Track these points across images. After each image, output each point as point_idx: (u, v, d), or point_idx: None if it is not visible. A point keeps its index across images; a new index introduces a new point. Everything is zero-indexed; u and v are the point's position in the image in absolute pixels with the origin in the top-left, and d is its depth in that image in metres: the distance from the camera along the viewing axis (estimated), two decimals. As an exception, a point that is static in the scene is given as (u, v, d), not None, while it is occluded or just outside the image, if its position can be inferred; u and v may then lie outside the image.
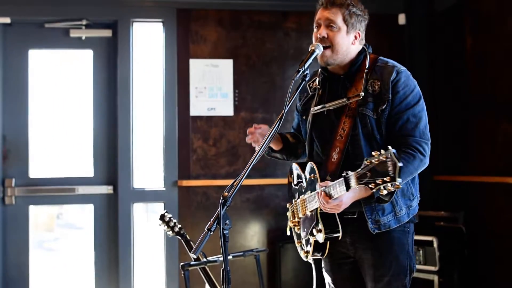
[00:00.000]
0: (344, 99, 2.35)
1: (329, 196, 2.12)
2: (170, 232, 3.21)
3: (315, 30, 2.46)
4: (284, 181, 4.68)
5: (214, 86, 4.74)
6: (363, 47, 2.44)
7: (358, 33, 2.41)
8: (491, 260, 4.13)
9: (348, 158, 2.32)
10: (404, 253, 2.37)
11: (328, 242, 2.37)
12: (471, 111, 4.37)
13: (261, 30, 4.83)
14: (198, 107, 4.72)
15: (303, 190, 2.49)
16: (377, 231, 2.29)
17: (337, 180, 2.10)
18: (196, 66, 4.73)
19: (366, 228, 2.31)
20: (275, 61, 4.84)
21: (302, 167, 2.56)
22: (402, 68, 2.36)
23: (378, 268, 2.34)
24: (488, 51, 4.20)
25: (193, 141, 4.71)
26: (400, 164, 1.81)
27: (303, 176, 2.53)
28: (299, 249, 2.55)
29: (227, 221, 2.00)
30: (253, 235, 4.75)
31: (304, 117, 2.59)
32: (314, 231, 2.34)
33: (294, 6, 4.84)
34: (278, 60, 4.84)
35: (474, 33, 4.38)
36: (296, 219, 2.55)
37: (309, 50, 2.37)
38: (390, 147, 1.86)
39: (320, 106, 2.45)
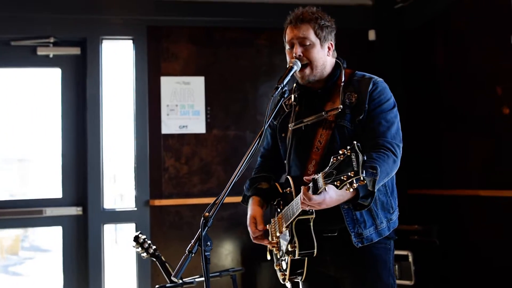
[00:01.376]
0: (322, 113, 2.33)
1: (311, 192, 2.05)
2: (144, 254, 3.11)
3: (288, 49, 2.42)
4: (258, 198, 4.66)
5: (186, 104, 4.68)
6: (338, 62, 2.43)
7: (331, 44, 2.40)
8: (466, 272, 4.14)
9: (321, 170, 2.28)
10: (386, 270, 2.34)
11: (306, 261, 2.32)
12: (444, 126, 4.42)
13: (233, 47, 4.81)
14: (169, 125, 4.65)
15: (282, 208, 2.45)
16: (360, 245, 2.25)
17: (304, 186, 2.05)
18: (168, 83, 4.67)
19: (347, 245, 2.27)
20: (247, 78, 4.81)
21: (282, 186, 2.51)
22: (380, 79, 2.36)
23: (360, 286, 2.30)
24: (460, 67, 4.26)
25: (165, 159, 4.63)
26: (363, 157, 1.76)
27: (280, 193, 2.48)
28: (278, 273, 2.48)
29: (208, 242, 1.94)
30: (227, 254, 4.67)
31: (283, 135, 2.54)
32: (289, 247, 2.28)
33: (266, 23, 4.83)
34: (251, 77, 4.82)
35: (446, 49, 4.45)
36: (275, 240, 2.49)
37: (287, 66, 2.34)
38: (354, 142, 1.81)
39: (298, 122, 2.42)
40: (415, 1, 4.71)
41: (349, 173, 1.77)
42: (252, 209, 2.55)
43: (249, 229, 2.49)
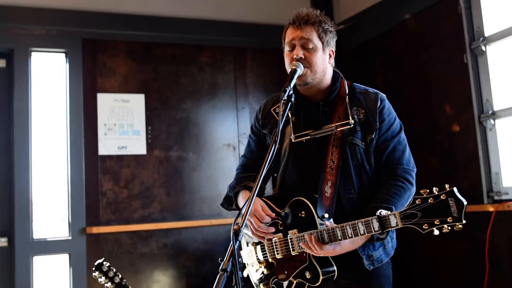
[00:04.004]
0: (333, 127, 2.20)
1: (330, 240, 1.99)
2: (109, 284, 2.76)
3: (287, 51, 2.28)
4: (203, 223, 4.42)
5: (124, 123, 4.36)
6: (336, 72, 2.34)
7: (332, 51, 2.29)
8: (422, 286, 4.18)
9: (339, 191, 2.16)
10: (389, 284, 2.26)
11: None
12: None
13: (174, 64, 4.58)
14: (107, 146, 4.29)
15: (282, 228, 2.25)
16: (371, 267, 2.14)
17: (362, 219, 1.93)
18: (105, 101, 4.33)
19: (356, 266, 2.15)
20: (189, 96, 4.59)
21: (275, 202, 2.31)
22: (384, 95, 2.29)
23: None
24: (399, 87, 4.35)
25: (103, 183, 4.25)
26: (465, 203, 1.73)
27: (278, 212, 2.26)
28: None
29: (240, 259, 1.72)
30: (171, 283, 4.34)
31: (278, 146, 2.37)
32: (307, 273, 2.11)
33: (208, 40, 4.67)
34: (193, 95, 4.60)
35: (385, 70, 4.54)
36: (267, 259, 2.27)
37: (290, 69, 2.19)
38: (454, 188, 1.75)
39: (302, 134, 2.26)
40: (355, 23, 4.80)
41: (446, 219, 1.74)
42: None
43: (251, 219, 2.18)
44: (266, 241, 2.26)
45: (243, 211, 1.83)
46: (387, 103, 2.26)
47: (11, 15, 4.13)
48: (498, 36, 3.53)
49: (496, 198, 3.55)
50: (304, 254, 2.12)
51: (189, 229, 4.42)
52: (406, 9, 4.24)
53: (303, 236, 2.11)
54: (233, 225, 1.74)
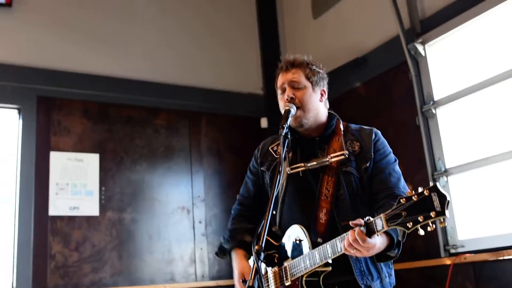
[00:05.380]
0: (328, 158, 2.27)
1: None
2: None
3: (280, 95, 2.38)
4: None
5: (78, 183, 4.21)
6: (331, 113, 2.44)
7: (323, 91, 2.40)
8: None
9: (334, 218, 2.20)
10: None
11: None
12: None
13: (130, 125, 4.55)
14: (58, 206, 4.10)
15: (277, 261, 2.24)
16: None
17: (356, 228, 1.92)
18: (58, 159, 4.19)
19: None
20: (144, 158, 4.54)
21: (273, 237, 2.31)
22: (378, 130, 2.41)
23: None
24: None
25: (52, 245, 4.02)
26: (448, 198, 1.72)
27: (275, 246, 2.28)
28: None
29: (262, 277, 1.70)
30: None
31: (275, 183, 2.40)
32: None
33: (164, 103, 4.71)
34: (148, 157, 4.56)
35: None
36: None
37: (284, 110, 2.28)
38: (437, 183, 1.79)
39: (298, 165, 2.31)
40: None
41: (430, 213, 1.70)
42: (238, 263, 2.34)
43: (237, 285, 2.26)
44: (263, 276, 2.24)
45: (259, 230, 1.82)
46: (381, 137, 2.36)
47: (-36, 68, 4.01)
48: (447, 99, 3.82)
49: (452, 251, 3.69)
50: (297, 282, 2.10)
51: (143, 295, 4.22)
52: (357, 77, 4.52)
53: (297, 261, 2.11)
54: (254, 246, 1.74)
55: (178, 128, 4.77)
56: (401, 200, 1.79)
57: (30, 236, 3.94)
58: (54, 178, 4.14)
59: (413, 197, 1.77)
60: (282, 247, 2.25)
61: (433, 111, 3.87)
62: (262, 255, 1.74)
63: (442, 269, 3.66)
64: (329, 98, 4.78)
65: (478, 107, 3.67)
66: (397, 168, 2.31)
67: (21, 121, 4.13)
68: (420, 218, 1.73)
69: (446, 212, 1.70)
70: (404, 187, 2.26)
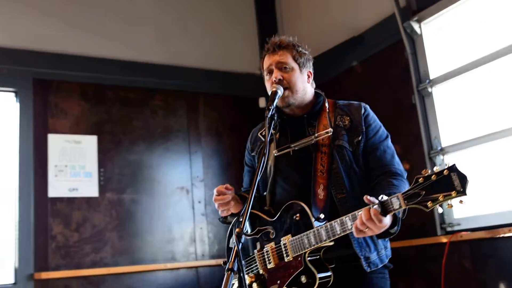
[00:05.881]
0: (312, 137, 2.29)
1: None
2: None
3: (267, 77, 2.38)
4: (156, 267, 4.30)
5: (76, 164, 4.25)
6: (318, 92, 2.45)
7: (310, 72, 2.41)
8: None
9: (331, 193, 2.22)
10: None
11: None
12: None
13: (127, 107, 4.56)
14: (58, 188, 4.14)
15: (273, 237, 2.27)
16: (369, 269, 2.17)
17: (370, 207, 1.93)
18: (56, 141, 4.21)
19: (348, 273, 2.18)
20: (142, 139, 4.56)
21: (265, 213, 2.34)
22: (367, 105, 2.42)
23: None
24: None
25: (52, 226, 4.07)
26: (468, 177, 1.72)
27: (269, 221, 2.30)
28: None
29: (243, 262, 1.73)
30: (122, 332, 4.15)
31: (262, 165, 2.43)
32: (303, 278, 2.12)
33: (161, 84, 4.72)
34: (146, 138, 4.58)
35: (334, 115, 4.74)
36: (258, 272, 2.27)
37: (271, 91, 2.28)
38: (454, 162, 1.79)
39: (283, 147, 2.33)
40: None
41: (451, 193, 1.72)
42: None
43: (215, 191, 2.29)
44: (256, 252, 2.27)
45: (242, 215, 1.85)
46: (371, 111, 2.37)
47: (-40, 52, 4.01)
48: (442, 78, 3.82)
49: (448, 229, 3.72)
50: (299, 258, 2.13)
51: (142, 274, 4.28)
52: (353, 56, 4.50)
53: (300, 238, 2.13)
54: (235, 229, 1.77)
55: (176, 108, 4.78)
56: (419, 180, 1.81)
57: (31, 217, 3.99)
58: (53, 160, 4.17)
59: (431, 177, 1.78)
60: (277, 223, 2.26)
61: (429, 89, 3.87)
62: (243, 237, 1.76)
63: (439, 247, 3.69)
64: (327, 77, 4.79)
65: (474, 85, 3.67)
66: (390, 143, 2.34)
67: (18, 104, 4.15)
68: (441, 197, 1.75)
69: (467, 191, 1.72)
70: (399, 164, 2.29)
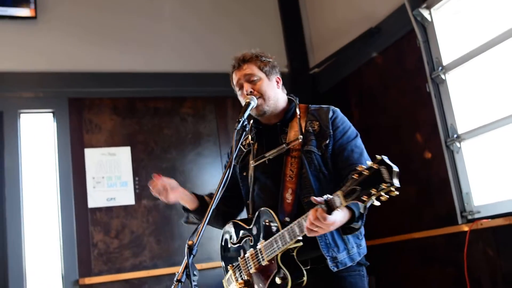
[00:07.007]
0: (284, 145, 2.38)
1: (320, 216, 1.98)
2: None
3: (239, 92, 2.49)
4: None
5: (112, 175, 4.53)
6: (290, 98, 2.53)
7: (278, 78, 2.49)
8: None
9: (299, 197, 2.31)
10: None
11: None
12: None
13: (157, 116, 4.80)
14: (96, 198, 4.44)
15: (252, 243, 2.39)
16: (335, 269, 2.23)
17: (317, 207, 2.02)
18: (92, 155, 4.51)
19: (323, 273, 2.26)
20: (173, 146, 4.78)
21: (245, 222, 2.47)
22: (336, 108, 2.47)
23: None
24: (373, 122, 4.54)
25: (93, 234, 4.38)
26: (396, 169, 1.78)
27: (247, 229, 2.43)
28: None
29: (195, 272, 1.86)
30: (165, 330, 4.39)
31: (244, 174, 2.55)
32: (277, 279, 2.22)
33: (188, 92, 4.91)
34: (177, 145, 4.79)
35: (359, 107, 4.74)
36: (245, 278, 2.40)
37: (245, 103, 2.39)
38: (382, 156, 1.83)
39: (259, 157, 2.45)
40: (328, 66, 5.04)
41: (381, 185, 1.78)
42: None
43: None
44: (240, 259, 2.40)
45: (199, 228, 1.98)
46: (339, 114, 2.43)
47: (0, 80, 4.38)
48: (455, 63, 3.74)
49: (469, 217, 3.66)
50: (273, 261, 2.23)
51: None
52: (372, 48, 4.49)
53: (270, 242, 2.23)
54: (188, 241, 1.91)
55: (205, 114, 4.96)
56: (353, 176, 1.87)
57: (73, 228, 4.31)
58: (90, 173, 4.47)
59: (363, 172, 1.84)
60: (253, 230, 2.38)
61: (443, 76, 3.81)
62: (195, 249, 1.89)
63: (460, 236, 3.65)
64: (347, 71, 4.81)
65: (487, 69, 3.58)
66: (359, 142, 2.38)
67: (55, 123, 4.48)
68: (373, 191, 1.80)
69: (395, 181, 1.77)
70: (368, 161, 2.32)
